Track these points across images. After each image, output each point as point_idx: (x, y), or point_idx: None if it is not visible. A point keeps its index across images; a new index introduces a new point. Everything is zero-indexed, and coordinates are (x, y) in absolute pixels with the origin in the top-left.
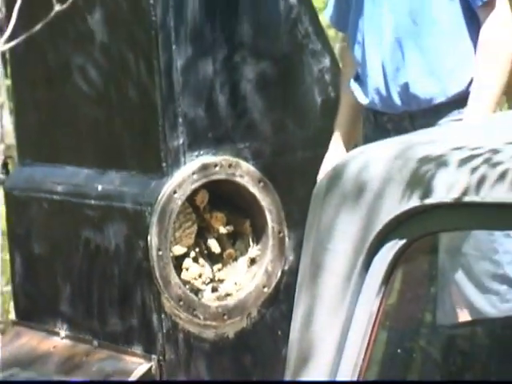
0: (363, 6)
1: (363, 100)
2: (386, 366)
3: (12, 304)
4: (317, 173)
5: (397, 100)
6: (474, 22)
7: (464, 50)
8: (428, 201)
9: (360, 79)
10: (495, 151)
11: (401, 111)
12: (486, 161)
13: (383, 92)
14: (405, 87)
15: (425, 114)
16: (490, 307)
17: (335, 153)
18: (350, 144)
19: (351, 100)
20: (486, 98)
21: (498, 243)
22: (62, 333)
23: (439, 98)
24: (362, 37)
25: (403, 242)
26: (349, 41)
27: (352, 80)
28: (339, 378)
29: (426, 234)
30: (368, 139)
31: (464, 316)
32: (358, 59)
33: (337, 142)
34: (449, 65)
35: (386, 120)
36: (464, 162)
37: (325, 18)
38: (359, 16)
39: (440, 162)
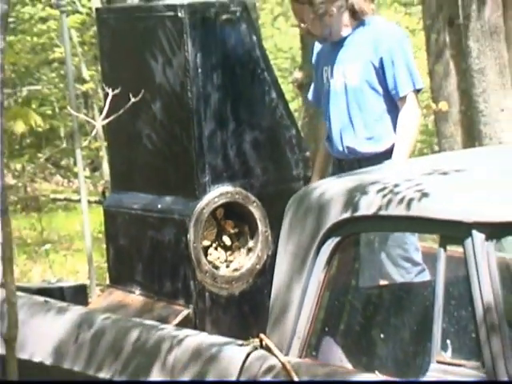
0: (330, 95)
1: (331, 151)
2: (328, 313)
3: (107, 275)
4: (286, 198)
5: (349, 153)
6: (395, 108)
7: (389, 125)
8: (355, 214)
9: (329, 138)
10: (397, 185)
11: (351, 158)
12: (391, 190)
13: (340, 148)
14: (353, 147)
15: (367, 160)
16: (399, 277)
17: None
18: (325, 176)
19: (324, 151)
20: (402, 155)
21: (407, 237)
22: (137, 292)
23: (374, 153)
24: (328, 113)
25: (339, 238)
26: (323, 115)
27: (325, 139)
28: (301, 321)
29: (353, 233)
30: (333, 175)
31: (382, 281)
32: (327, 127)
33: (315, 175)
34: (380, 134)
35: (344, 163)
36: (379, 190)
37: (292, 105)
38: (327, 101)
39: (364, 190)
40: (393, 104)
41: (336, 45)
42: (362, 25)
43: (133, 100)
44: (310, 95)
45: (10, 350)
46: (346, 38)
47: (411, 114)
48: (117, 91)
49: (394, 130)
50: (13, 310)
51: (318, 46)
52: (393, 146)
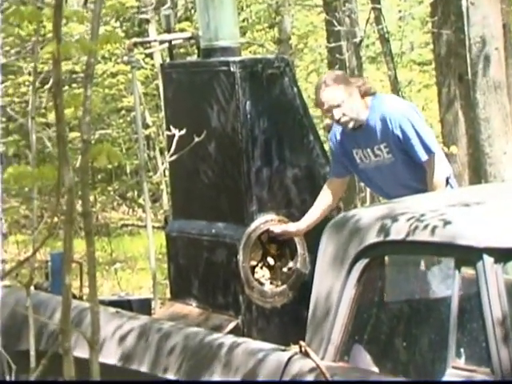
0: (371, 172)
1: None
2: (358, 323)
3: (167, 290)
4: (321, 225)
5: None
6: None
7: (421, 177)
8: (386, 238)
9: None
10: (423, 215)
11: None
12: (417, 219)
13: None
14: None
15: None
16: (422, 294)
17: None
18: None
19: (321, 207)
20: None
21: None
22: (194, 304)
23: None
24: (373, 186)
25: (370, 259)
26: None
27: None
28: (335, 330)
29: (382, 255)
30: None
31: (405, 297)
32: (378, 193)
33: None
34: (424, 188)
35: None
36: (407, 219)
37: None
38: (369, 177)
39: (394, 219)
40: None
41: (357, 131)
42: (373, 110)
43: (196, 140)
44: (332, 173)
45: (94, 353)
46: (363, 125)
47: (435, 176)
48: (183, 132)
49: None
50: (96, 318)
51: (336, 135)
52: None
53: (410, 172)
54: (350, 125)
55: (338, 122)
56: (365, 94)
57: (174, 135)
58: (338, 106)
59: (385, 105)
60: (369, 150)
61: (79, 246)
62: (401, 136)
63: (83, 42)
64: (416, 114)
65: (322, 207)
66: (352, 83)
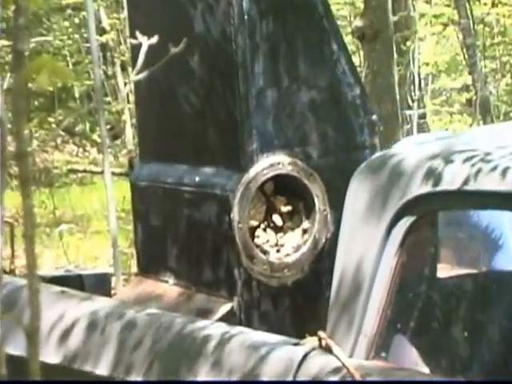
0: None
1: None
2: (401, 306)
3: (133, 261)
4: (349, 170)
5: None
6: None
7: None
8: (439, 188)
9: None
10: (488, 153)
11: None
12: (481, 160)
13: None
14: None
15: None
16: (487, 265)
17: None
18: None
19: None
20: None
21: (500, 217)
22: (170, 281)
23: None
24: None
25: (415, 217)
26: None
27: None
28: (368, 316)
29: (432, 211)
30: None
31: (466, 270)
32: None
33: None
34: None
35: None
36: (465, 160)
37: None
38: None
39: (449, 159)
40: None
41: None
42: None
43: (173, 51)
44: None
45: (33, 345)
46: None
47: None
48: (154, 40)
49: None
50: (35, 298)
51: None
52: None
53: None
54: None
55: None
56: None
57: (141, 44)
58: None
59: None
60: None
61: (9, 201)
62: None
63: None
64: None
65: None
66: None
